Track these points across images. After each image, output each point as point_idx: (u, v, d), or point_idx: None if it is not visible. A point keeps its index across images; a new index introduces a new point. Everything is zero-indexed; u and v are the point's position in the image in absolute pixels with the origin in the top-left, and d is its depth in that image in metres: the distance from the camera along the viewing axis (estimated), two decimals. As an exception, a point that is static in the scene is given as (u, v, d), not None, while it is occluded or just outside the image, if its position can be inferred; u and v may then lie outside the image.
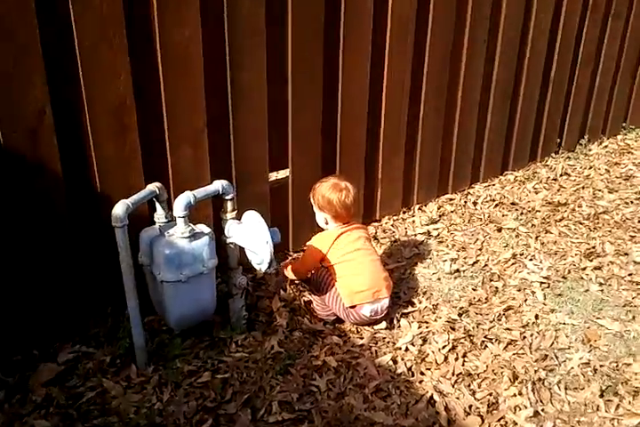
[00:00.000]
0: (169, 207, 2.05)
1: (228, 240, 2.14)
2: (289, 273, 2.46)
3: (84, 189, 2.05)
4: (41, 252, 2.00)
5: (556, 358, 2.19)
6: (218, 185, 2.07)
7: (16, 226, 1.92)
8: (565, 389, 2.05)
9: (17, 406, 1.86)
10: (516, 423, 1.90)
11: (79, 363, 2.03)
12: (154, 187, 2.01)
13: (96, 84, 1.94)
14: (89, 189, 2.06)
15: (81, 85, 1.92)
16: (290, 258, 2.71)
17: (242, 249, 2.14)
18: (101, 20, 1.87)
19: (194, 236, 1.99)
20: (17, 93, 1.79)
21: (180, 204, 1.95)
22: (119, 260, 1.88)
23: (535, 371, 2.11)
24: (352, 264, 2.29)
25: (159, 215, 2.05)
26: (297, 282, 2.53)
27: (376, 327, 2.32)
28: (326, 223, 2.40)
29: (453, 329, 2.32)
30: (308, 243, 2.42)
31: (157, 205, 2.04)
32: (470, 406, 1.96)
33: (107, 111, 1.99)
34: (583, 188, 3.54)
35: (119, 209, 1.83)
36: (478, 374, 2.10)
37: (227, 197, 2.10)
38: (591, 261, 2.80)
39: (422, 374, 2.10)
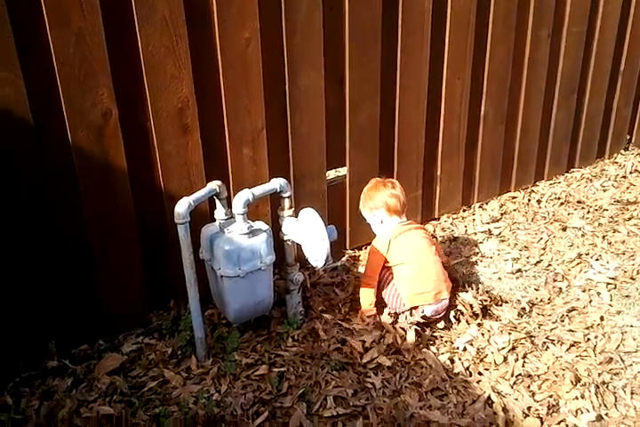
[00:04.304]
0: (228, 205, 2.10)
1: (286, 237, 2.18)
2: (364, 302, 2.32)
3: (148, 186, 2.13)
4: (107, 245, 2.09)
5: (622, 361, 2.11)
6: (275, 183, 2.11)
7: (80, 219, 2.01)
8: (631, 393, 1.97)
9: (83, 392, 1.96)
10: (577, 427, 1.85)
11: (142, 354, 2.12)
12: (214, 185, 2.06)
13: (159, 86, 2.01)
14: (153, 187, 2.14)
15: (145, 87, 1.99)
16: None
17: (299, 246, 2.17)
18: (164, 24, 1.94)
19: (252, 232, 2.04)
20: (84, 95, 1.88)
21: (239, 201, 2.00)
22: (181, 255, 1.94)
23: (599, 374, 2.05)
24: (413, 266, 2.27)
25: (219, 212, 2.10)
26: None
27: (434, 327, 2.30)
28: (382, 222, 2.38)
29: (514, 330, 2.27)
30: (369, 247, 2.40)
31: (217, 202, 2.09)
32: (529, 408, 1.92)
33: (170, 112, 2.06)
34: (655, 185, 3.40)
35: (181, 206, 1.89)
36: (539, 376, 2.05)
37: (284, 195, 2.13)
38: (662, 261, 2.68)
39: (480, 374, 2.07)
